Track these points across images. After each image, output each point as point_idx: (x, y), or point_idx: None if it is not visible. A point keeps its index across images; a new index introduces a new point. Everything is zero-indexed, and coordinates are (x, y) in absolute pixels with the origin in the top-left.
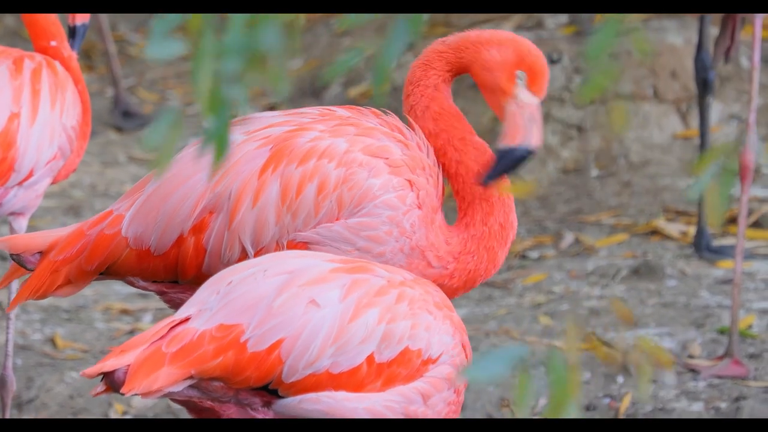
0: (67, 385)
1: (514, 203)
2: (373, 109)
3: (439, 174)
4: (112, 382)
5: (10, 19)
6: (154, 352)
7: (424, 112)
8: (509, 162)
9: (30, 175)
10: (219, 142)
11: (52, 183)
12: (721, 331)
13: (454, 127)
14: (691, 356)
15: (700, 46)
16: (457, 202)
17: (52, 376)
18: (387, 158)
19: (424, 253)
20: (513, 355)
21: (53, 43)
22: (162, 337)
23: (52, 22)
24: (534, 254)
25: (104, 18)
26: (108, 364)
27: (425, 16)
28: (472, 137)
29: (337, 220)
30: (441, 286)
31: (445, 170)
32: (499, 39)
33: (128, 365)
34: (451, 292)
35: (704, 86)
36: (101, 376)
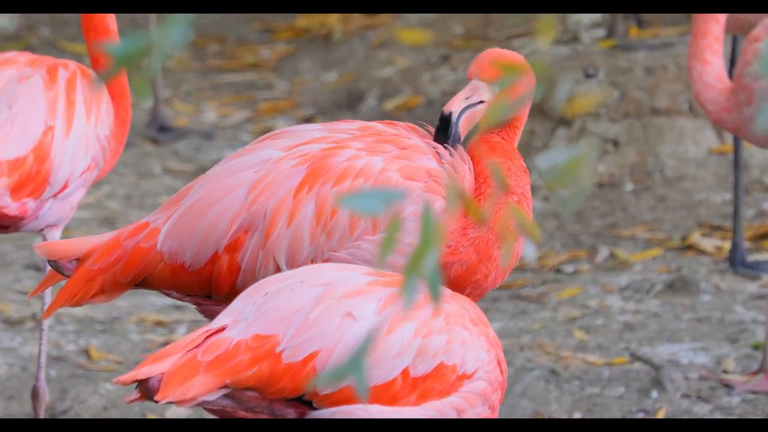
0: (101, 397)
1: (528, 183)
2: (410, 124)
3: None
4: (146, 389)
5: (45, 29)
6: (189, 360)
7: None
8: (437, 125)
9: (65, 186)
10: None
11: None
12: (756, 347)
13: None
14: (725, 371)
15: (733, 62)
16: None
17: (86, 388)
18: (424, 173)
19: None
20: (389, 195)
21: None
22: (197, 346)
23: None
24: (569, 268)
25: (152, 29)
26: (143, 372)
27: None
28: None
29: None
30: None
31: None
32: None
33: (163, 373)
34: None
35: None
36: (136, 384)
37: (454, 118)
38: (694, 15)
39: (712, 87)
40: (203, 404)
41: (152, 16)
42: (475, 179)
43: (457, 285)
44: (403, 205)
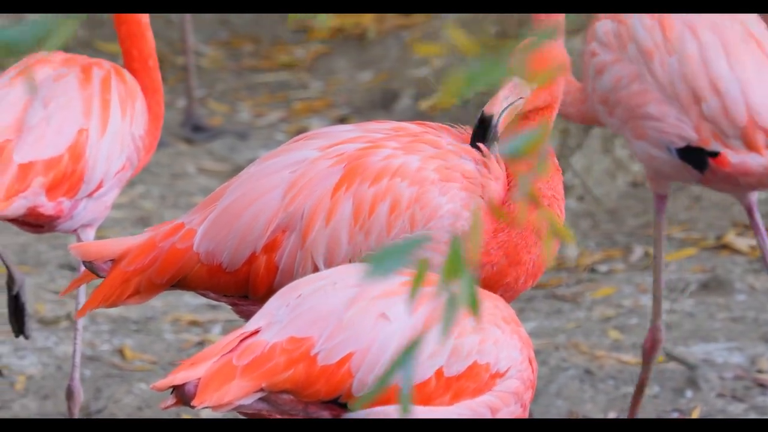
0: (136, 397)
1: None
2: (444, 125)
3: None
4: (182, 395)
5: (81, 29)
6: (225, 364)
7: None
8: (474, 127)
9: (99, 186)
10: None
11: None
12: None
13: None
14: (760, 371)
15: None
16: None
17: (121, 387)
18: (459, 174)
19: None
20: (413, 244)
21: (151, 63)
22: (232, 350)
23: (151, 38)
24: (603, 268)
25: (189, 32)
26: (179, 377)
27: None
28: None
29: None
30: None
31: None
32: None
33: (199, 378)
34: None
35: None
36: (171, 389)
37: (494, 120)
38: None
39: (576, 103)
40: (239, 408)
41: (187, 16)
42: (508, 179)
43: (488, 287)
44: (442, 206)
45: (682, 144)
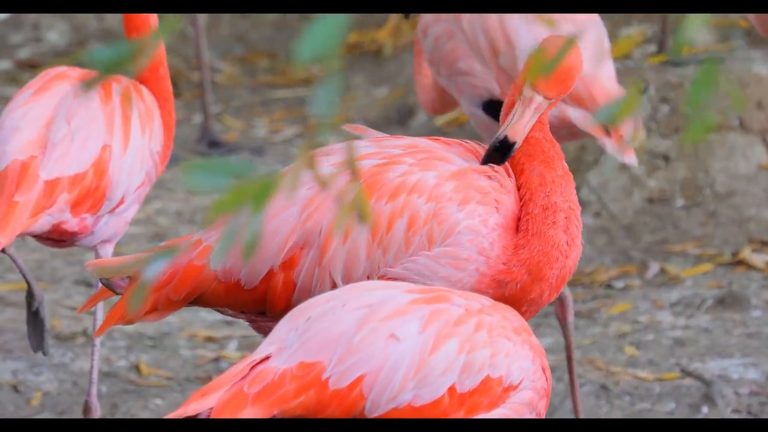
0: (151, 412)
1: (572, 188)
2: (459, 141)
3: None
4: None
5: (95, 45)
6: (236, 393)
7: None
8: (489, 149)
9: (121, 202)
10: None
11: None
12: None
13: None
14: None
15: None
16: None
17: (137, 403)
18: (474, 191)
19: (497, 264)
20: (237, 168)
21: (161, 72)
22: (243, 378)
23: (161, 47)
24: (619, 284)
25: (203, 47)
26: (191, 408)
27: None
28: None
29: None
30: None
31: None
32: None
33: (211, 408)
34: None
35: None
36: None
37: (516, 146)
38: (415, 38)
39: (426, 92)
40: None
41: (203, 32)
42: (519, 189)
43: (513, 304)
44: (460, 222)
45: (488, 97)
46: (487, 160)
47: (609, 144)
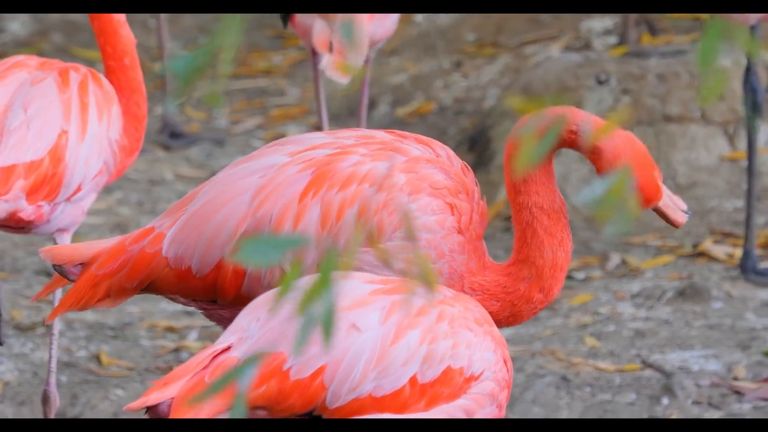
0: (112, 402)
1: (568, 264)
2: (415, 135)
3: (481, 201)
4: (156, 415)
5: (57, 35)
6: (197, 383)
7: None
8: None
9: (78, 190)
10: (326, 327)
11: None
12: (767, 354)
13: (539, 193)
14: (736, 378)
15: (749, 69)
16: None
17: (97, 393)
18: (428, 182)
19: (462, 278)
20: (289, 243)
21: (127, 62)
22: (204, 368)
23: (127, 36)
24: (580, 275)
25: (165, 38)
26: (152, 398)
27: None
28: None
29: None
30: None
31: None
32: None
33: (172, 398)
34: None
35: (753, 109)
36: (145, 410)
37: None
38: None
39: None
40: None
41: (164, 23)
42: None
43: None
44: (413, 216)
45: None
46: None
47: (326, 59)
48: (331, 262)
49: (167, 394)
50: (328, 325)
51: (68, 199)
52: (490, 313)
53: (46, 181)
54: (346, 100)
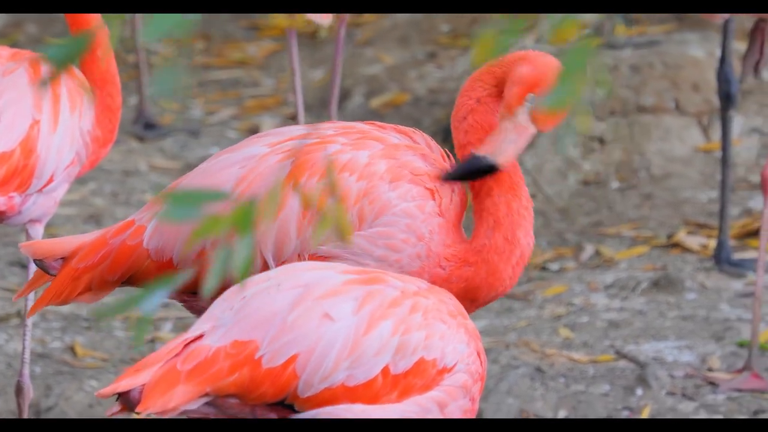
0: (87, 394)
1: (531, 221)
2: (395, 126)
3: (463, 185)
4: (127, 401)
5: (32, 27)
6: (169, 370)
7: (460, 123)
8: (471, 167)
9: (50, 181)
10: (242, 269)
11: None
12: (741, 345)
13: (482, 141)
14: (710, 369)
15: (723, 60)
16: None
17: (71, 385)
18: (409, 169)
19: (439, 256)
20: (204, 197)
21: (99, 53)
22: (177, 355)
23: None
24: (554, 266)
25: (140, 29)
26: (123, 384)
27: None
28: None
29: (357, 231)
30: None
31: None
32: (535, 58)
33: (143, 384)
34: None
35: (727, 100)
36: (116, 396)
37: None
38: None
39: None
40: (185, 413)
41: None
42: (482, 211)
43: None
44: (394, 203)
45: None
46: (459, 177)
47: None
48: (251, 209)
49: (138, 380)
50: (244, 268)
51: (40, 190)
52: (469, 279)
53: (18, 173)
54: (320, 91)
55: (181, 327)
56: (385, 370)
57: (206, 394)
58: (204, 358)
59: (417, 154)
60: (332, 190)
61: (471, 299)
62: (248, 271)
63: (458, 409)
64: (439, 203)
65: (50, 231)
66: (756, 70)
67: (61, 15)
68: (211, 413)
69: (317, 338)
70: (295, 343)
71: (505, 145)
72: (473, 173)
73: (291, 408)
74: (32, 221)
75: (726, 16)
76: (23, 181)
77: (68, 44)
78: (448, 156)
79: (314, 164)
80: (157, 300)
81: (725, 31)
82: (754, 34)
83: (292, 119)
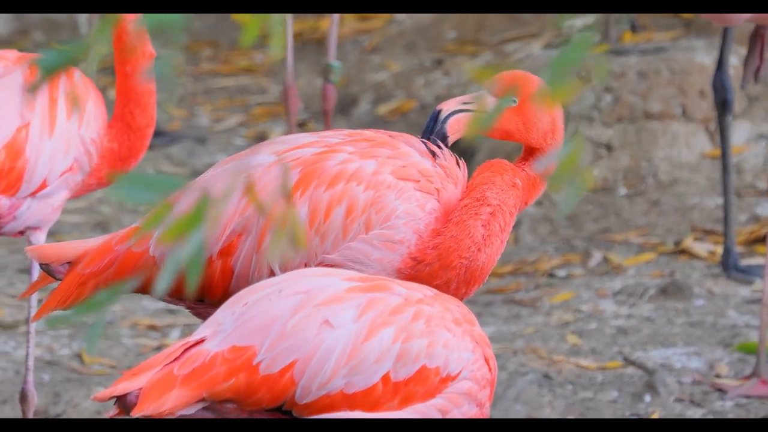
0: (94, 401)
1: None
2: (403, 134)
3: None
4: (124, 405)
5: (38, 34)
6: (165, 374)
7: None
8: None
9: (43, 186)
10: (191, 269)
11: (74, 196)
12: (740, 348)
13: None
14: (718, 376)
15: (719, 67)
16: None
17: (79, 392)
18: (416, 171)
19: (422, 238)
20: (163, 183)
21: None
22: (175, 359)
23: (132, 45)
24: (562, 273)
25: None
26: (120, 388)
27: None
28: None
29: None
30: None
31: None
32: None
33: (140, 388)
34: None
35: (723, 106)
36: (114, 400)
37: (442, 116)
38: None
39: None
40: (181, 417)
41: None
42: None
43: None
44: (398, 209)
45: None
46: (424, 132)
47: None
48: (203, 205)
49: (136, 384)
50: (194, 268)
51: (33, 195)
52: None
53: (3, 175)
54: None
55: (189, 334)
56: (386, 378)
57: (202, 399)
58: (201, 362)
59: (424, 156)
60: (286, 198)
61: (445, 266)
62: (199, 268)
63: (461, 416)
64: (443, 203)
65: (57, 238)
66: (757, 75)
67: (68, 22)
68: (209, 418)
69: (316, 345)
70: (293, 350)
71: (451, 100)
72: (427, 124)
73: (289, 414)
74: (31, 228)
75: (738, 19)
76: (10, 184)
77: (60, 52)
78: (462, 163)
79: (322, 173)
80: (105, 309)
81: (724, 37)
82: (753, 40)
83: (300, 126)
